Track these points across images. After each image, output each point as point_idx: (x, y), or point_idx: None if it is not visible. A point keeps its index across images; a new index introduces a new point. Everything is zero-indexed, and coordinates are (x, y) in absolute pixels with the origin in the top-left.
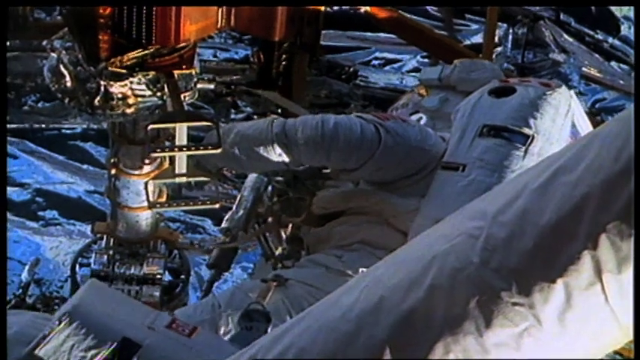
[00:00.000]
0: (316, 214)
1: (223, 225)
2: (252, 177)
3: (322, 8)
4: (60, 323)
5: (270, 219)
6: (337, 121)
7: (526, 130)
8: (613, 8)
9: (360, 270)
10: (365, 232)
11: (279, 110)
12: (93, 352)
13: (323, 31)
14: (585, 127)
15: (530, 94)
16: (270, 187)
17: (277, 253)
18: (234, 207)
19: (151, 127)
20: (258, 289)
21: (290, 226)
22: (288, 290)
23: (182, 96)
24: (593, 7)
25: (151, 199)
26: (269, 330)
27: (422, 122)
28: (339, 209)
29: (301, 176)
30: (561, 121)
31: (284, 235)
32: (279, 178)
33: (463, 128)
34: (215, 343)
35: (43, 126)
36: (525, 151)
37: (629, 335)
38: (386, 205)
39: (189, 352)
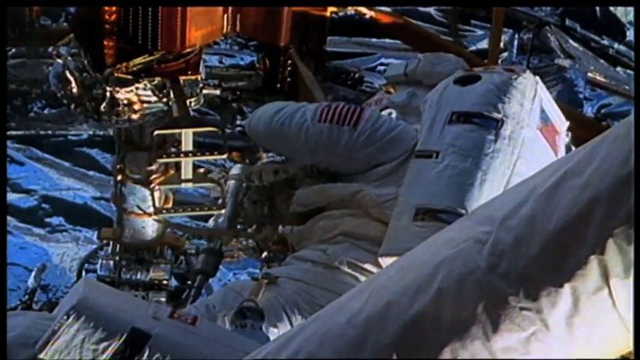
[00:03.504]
0: (297, 212)
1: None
2: (231, 183)
3: (328, 14)
4: (68, 318)
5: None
6: (287, 110)
7: (495, 115)
8: (619, 14)
9: (346, 261)
10: (346, 225)
11: None
12: (104, 344)
13: (328, 37)
14: (554, 113)
15: (496, 79)
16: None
17: (264, 255)
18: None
19: (156, 132)
20: (249, 287)
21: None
22: (280, 287)
23: (188, 102)
24: (598, 13)
25: (157, 204)
26: (263, 327)
27: (392, 117)
28: (319, 206)
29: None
30: (529, 105)
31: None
32: (257, 184)
33: (432, 117)
34: (219, 331)
35: (49, 132)
36: (496, 135)
37: None
38: (364, 196)
39: (197, 339)
